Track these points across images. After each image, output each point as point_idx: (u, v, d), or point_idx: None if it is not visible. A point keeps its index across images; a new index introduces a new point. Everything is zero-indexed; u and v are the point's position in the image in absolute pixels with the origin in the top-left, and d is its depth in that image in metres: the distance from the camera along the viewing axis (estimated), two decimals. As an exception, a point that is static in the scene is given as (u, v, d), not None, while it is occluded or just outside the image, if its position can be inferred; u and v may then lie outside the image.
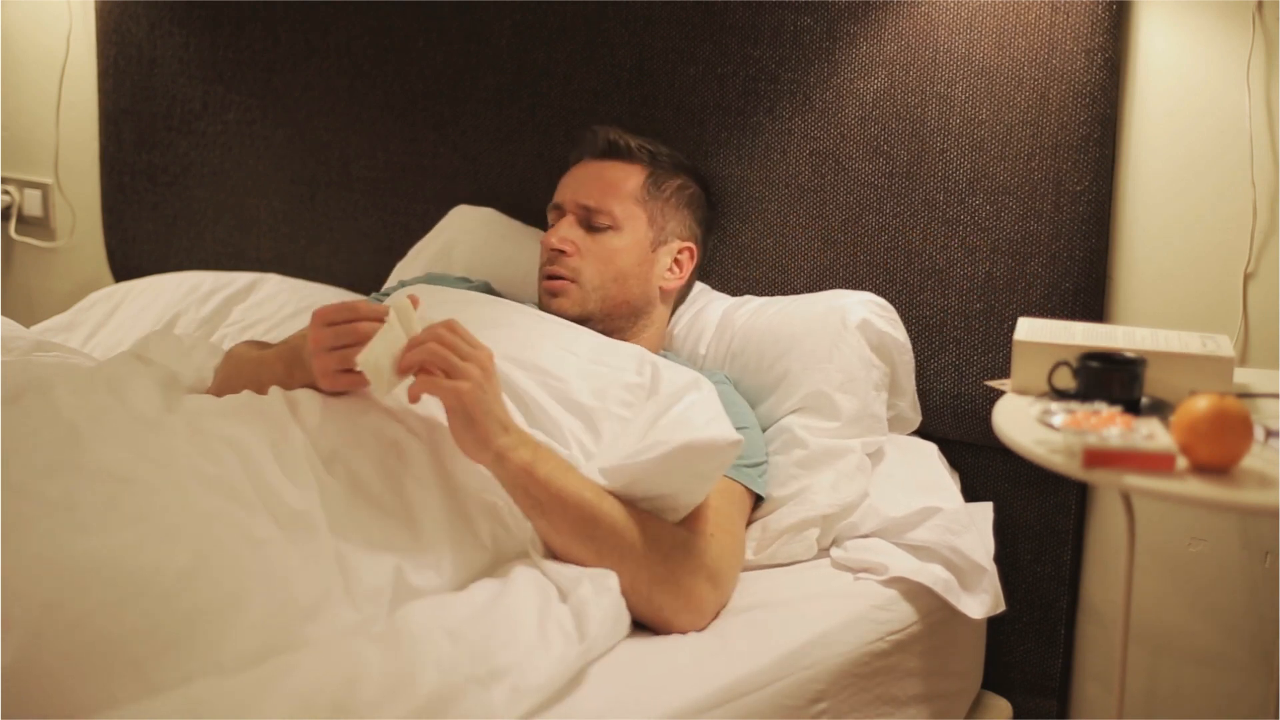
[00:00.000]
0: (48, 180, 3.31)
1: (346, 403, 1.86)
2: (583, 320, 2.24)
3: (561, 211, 2.32)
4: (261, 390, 1.90)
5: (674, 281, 2.34)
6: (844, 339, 2.25)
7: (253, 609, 1.55)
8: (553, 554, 1.84)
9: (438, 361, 1.77)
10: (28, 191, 3.33)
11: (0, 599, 1.46)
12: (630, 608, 1.81)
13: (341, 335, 1.83)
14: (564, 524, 1.82)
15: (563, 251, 2.27)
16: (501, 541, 1.84)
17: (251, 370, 1.97)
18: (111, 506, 1.60)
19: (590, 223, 2.28)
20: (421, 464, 1.83)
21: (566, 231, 2.28)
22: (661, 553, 1.84)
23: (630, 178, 2.32)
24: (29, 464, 1.66)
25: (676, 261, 2.34)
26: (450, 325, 1.81)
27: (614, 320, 2.27)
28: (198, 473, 1.69)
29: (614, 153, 2.35)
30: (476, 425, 1.78)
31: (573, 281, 2.26)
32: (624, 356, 2.12)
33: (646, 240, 2.31)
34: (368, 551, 1.71)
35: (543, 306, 2.28)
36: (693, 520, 1.90)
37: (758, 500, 2.12)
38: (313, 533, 1.69)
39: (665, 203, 2.33)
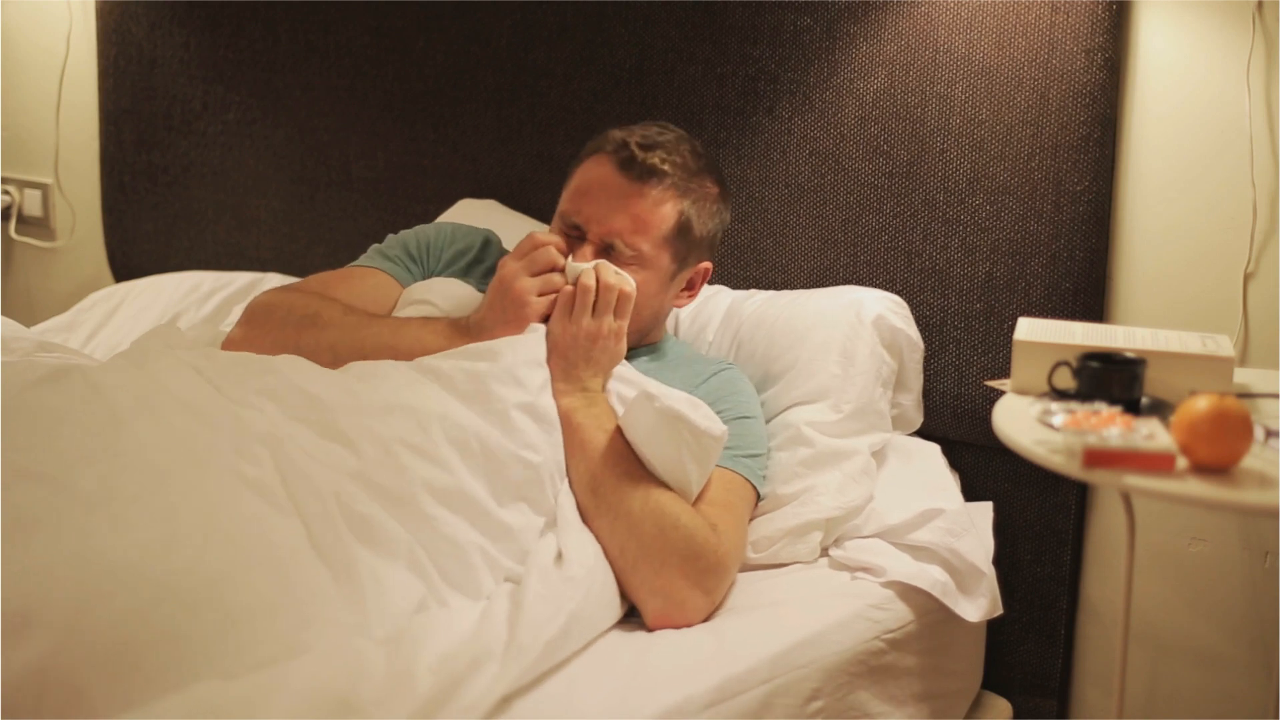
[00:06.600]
0: (48, 180, 3.31)
1: (386, 421, 1.83)
2: None
3: (578, 230, 2.09)
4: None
5: (686, 302, 2.22)
6: (857, 333, 2.24)
7: (279, 620, 1.55)
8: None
9: (567, 303, 2.00)
10: (28, 191, 3.33)
11: (30, 598, 1.45)
12: (620, 580, 1.85)
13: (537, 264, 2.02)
14: (582, 469, 1.92)
15: None
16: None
17: (368, 332, 2.04)
18: (146, 499, 1.59)
19: (611, 253, 2.07)
20: (455, 488, 1.82)
21: None
22: (659, 526, 1.86)
23: (664, 214, 2.08)
24: (64, 451, 1.64)
25: (690, 282, 2.18)
26: (601, 277, 2.02)
27: None
28: (236, 472, 1.68)
29: (647, 177, 2.08)
30: (560, 364, 1.98)
31: None
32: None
33: (668, 273, 2.12)
34: (397, 571, 1.71)
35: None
36: (697, 508, 1.91)
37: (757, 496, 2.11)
38: (345, 546, 1.68)
39: (694, 235, 2.12)
